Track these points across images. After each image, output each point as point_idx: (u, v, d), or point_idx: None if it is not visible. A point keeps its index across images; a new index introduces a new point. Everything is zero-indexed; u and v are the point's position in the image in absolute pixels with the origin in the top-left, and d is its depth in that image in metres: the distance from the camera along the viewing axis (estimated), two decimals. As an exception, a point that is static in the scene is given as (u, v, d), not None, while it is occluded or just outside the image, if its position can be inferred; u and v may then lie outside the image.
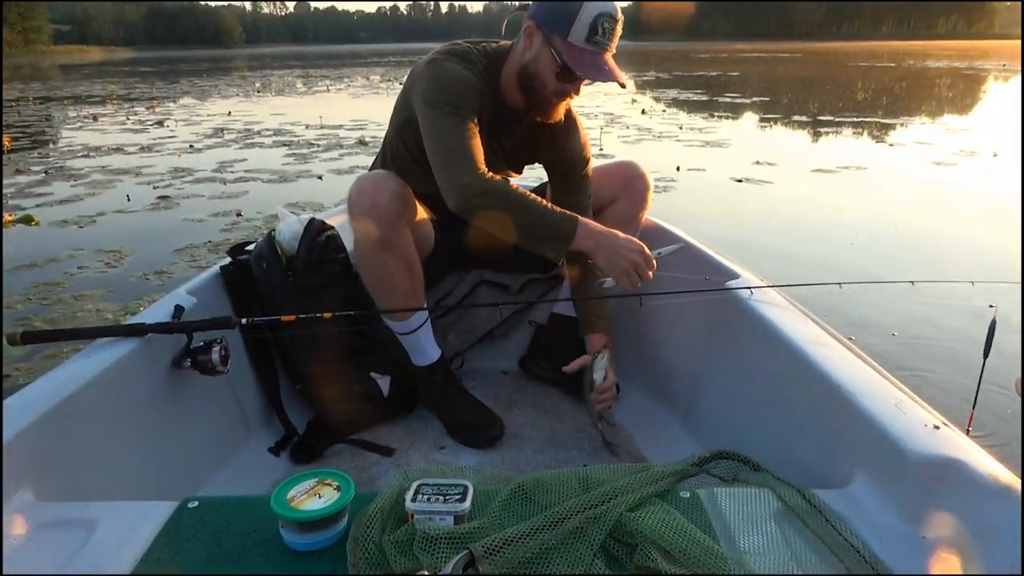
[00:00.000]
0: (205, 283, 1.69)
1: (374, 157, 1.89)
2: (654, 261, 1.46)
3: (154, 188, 5.82)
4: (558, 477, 0.99)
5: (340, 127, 9.80)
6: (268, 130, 9.64)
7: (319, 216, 1.84)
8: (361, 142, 8.18)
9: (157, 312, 1.45)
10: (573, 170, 1.76)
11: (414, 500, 0.89)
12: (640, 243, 1.47)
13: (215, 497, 1.01)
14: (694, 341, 1.74)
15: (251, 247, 1.81)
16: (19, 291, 3.40)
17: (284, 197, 5.35)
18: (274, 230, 1.76)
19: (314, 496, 0.91)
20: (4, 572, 0.74)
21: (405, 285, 1.63)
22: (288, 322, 1.49)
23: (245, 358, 1.71)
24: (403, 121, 1.67)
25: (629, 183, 1.82)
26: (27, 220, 4.78)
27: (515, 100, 1.63)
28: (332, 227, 1.79)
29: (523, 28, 1.55)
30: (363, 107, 13.38)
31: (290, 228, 1.74)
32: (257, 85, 20.67)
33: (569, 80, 1.52)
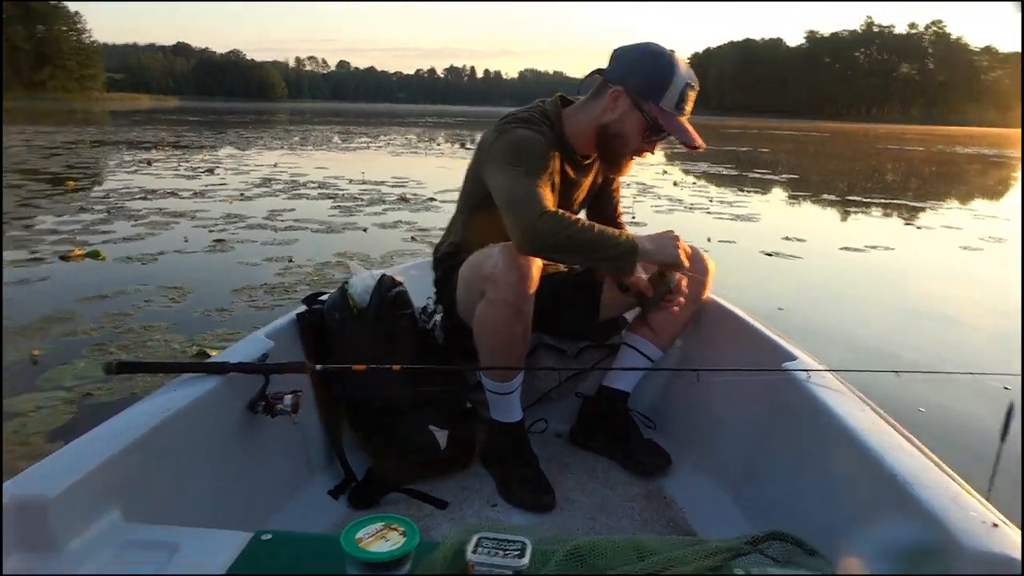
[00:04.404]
0: (282, 328, 1.82)
1: (443, 224, 2.07)
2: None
3: (209, 232, 6.14)
4: (614, 543, 1.00)
5: (382, 183, 10.17)
6: (313, 182, 10.04)
7: (389, 272, 1.98)
8: (403, 199, 8.50)
9: (238, 352, 1.57)
10: (608, 184, 2.02)
11: (475, 552, 0.92)
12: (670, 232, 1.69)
13: (286, 532, 1.08)
14: (749, 419, 1.75)
15: (324, 297, 1.95)
16: (93, 319, 3.65)
17: (333, 247, 5.62)
18: (347, 283, 1.90)
19: (381, 539, 0.96)
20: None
21: (519, 351, 1.76)
22: (358, 371, 1.57)
23: (313, 402, 1.80)
24: (479, 201, 1.84)
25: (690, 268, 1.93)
26: (95, 255, 5.08)
27: (584, 148, 1.84)
28: (401, 283, 1.94)
29: (607, 91, 1.73)
30: (403, 165, 13.83)
31: (362, 282, 1.88)
32: (299, 139, 21.42)
33: (653, 141, 1.73)
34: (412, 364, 1.75)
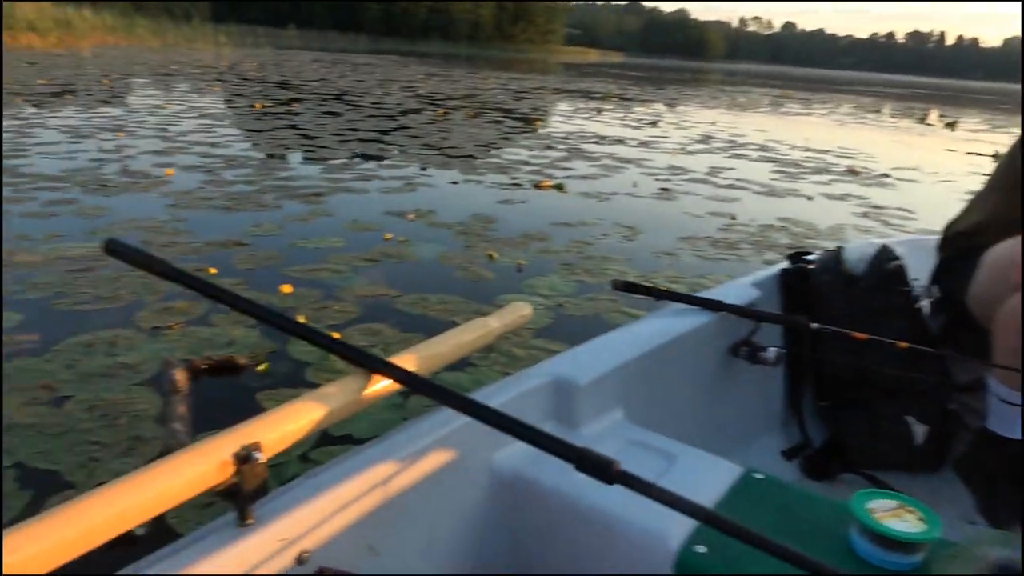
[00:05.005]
0: (767, 280, 1.80)
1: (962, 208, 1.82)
2: None
3: (655, 180, 6.44)
4: None
5: (826, 152, 9.51)
6: (752, 144, 9.84)
7: (889, 243, 1.86)
8: (851, 171, 7.83)
9: (724, 294, 1.59)
10: None
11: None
12: None
13: (779, 479, 1.05)
14: None
15: (811, 256, 1.89)
16: (561, 242, 4.12)
17: (775, 211, 5.45)
18: (842, 247, 1.83)
19: (896, 518, 0.90)
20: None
21: None
22: (850, 339, 1.47)
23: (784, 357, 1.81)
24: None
25: None
26: (559, 187, 5.72)
27: None
28: (899, 257, 1.79)
29: None
30: (849, 136, 12.73)
31: (859, 249, 1.80)
32: (735, 99, 21.14)
33: None
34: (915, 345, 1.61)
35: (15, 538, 0.56)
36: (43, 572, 0.57)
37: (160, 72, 14.94)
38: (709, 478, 1.04)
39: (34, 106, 8.34)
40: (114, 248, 0.88)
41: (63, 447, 1.90)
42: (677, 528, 0.92)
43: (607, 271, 3.64)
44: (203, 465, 0.69)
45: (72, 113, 7.97)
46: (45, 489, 1.74)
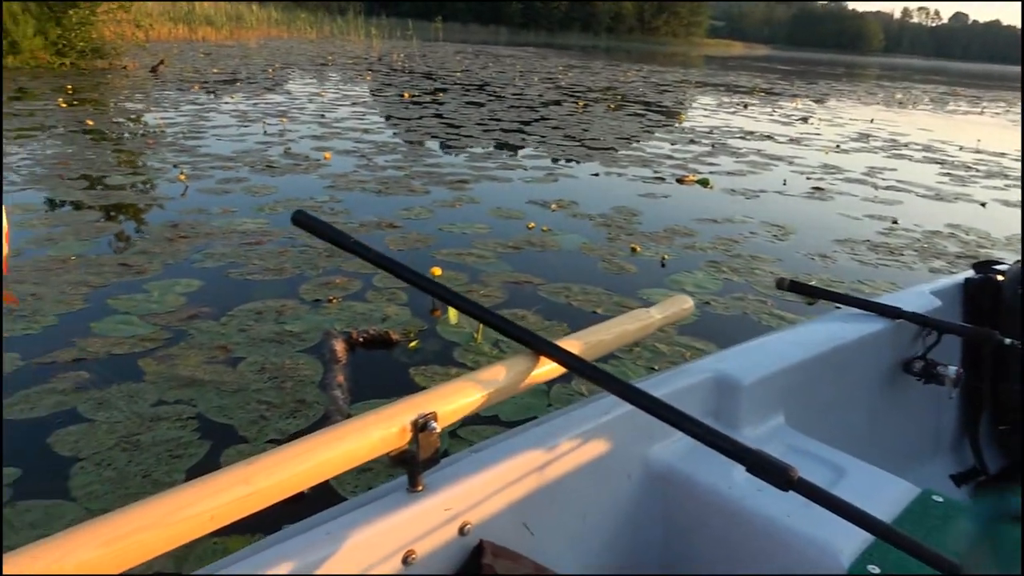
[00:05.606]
0: (948, 289, 1.67)
1: None
2: None
3: (807, 179, 6.11)
4: None
5: (1002, 155, 8.68)
6: (915, 144, 9.13)
7: None
8: (1032, 175, 7.12)
9: (901, 300, 1.47)
10: None
11: None
12: None
13: (961, 502, 1.00)
14: None
15: (1001, 266, 1.74)
16: (707, 239, 4.00)
17: (942, 216, 5.03)
18: None
19: None
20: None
21: None
22: None
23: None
24: None
25: None
26: (704, 183, 5.56)
27: None
28: None
29: None
30: (1028, 137, 11.56)
31: None
32: (893, 95, 19.70)
33: None
34: None
35: (218, 482, 0.60)
36: (236, 519, 0.60)
37: (317, 62, 15.84)
38: (882, 495, 0.99)
39: (208, 93, 9.08)
40: (300, 219, 0.90)
41: (236, 404, 2.06)
42: (849, 543, 0.88)
43: (755, 271, 3.50)
44: (385, 430, 0.71)
45: (241, 99, 8.61)
46: (221, 441, 1.89)
